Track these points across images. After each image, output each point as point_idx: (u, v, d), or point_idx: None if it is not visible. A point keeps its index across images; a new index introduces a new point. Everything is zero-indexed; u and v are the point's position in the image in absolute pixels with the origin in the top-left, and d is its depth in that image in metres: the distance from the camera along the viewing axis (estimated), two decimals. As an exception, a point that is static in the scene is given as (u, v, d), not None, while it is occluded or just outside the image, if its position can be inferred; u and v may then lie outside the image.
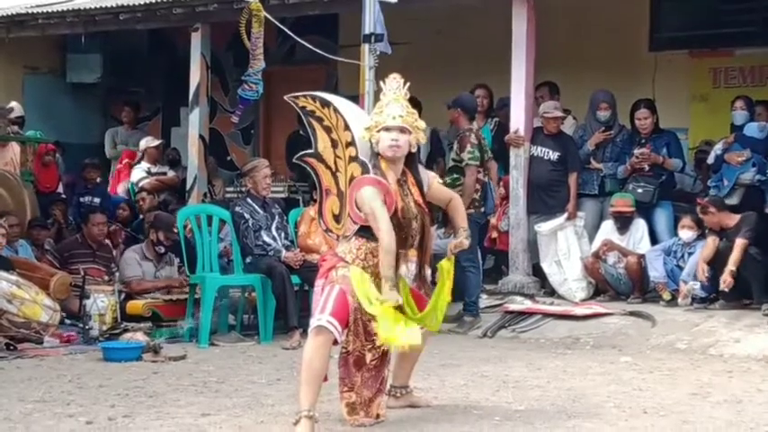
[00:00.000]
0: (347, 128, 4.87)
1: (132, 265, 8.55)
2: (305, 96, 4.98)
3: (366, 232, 4.76)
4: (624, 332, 7.82)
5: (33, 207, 9.92)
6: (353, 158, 4.85)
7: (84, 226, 9.10)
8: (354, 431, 4.76)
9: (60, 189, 11.23)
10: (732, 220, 8.14)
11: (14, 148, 10.39)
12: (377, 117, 4.84)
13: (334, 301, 4.65)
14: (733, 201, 8.57)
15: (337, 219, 4.92)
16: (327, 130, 4.91)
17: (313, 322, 4.65)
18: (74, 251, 8.82)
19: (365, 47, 7.76)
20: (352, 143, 4.86)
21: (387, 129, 4.78)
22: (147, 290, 8.42)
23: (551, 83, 9.60)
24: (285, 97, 5.07)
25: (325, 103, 4.91)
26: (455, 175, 8.26)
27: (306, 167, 5.02)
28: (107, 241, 9.21)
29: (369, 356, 4.86)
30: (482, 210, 8.41)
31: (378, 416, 4.89)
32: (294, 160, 5.11)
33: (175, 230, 8.46)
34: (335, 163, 4.91)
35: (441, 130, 9.90)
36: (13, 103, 11.06)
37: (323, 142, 4.93)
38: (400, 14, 8.49)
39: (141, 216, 10.26)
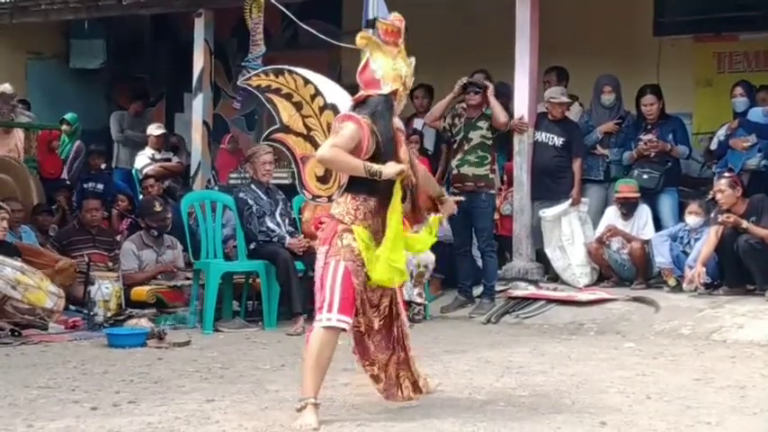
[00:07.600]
0: (307, 82, 4.88)
1: (127, 257, 8.50)
2: (257, 75, 5.01)
3: (363, 188, 4.57)
4: (628, 318, 7.83)
5: (39, 193, 9.92)
6: (323, 108, 4.85)
7: (79, 212, 9.08)
8: (359, 413, 4.75)
9: (64, 175, 11.23)
10: (743, 204, 8.07)
11: (18, 135, 10.38)
12: (408, 69, 4.72)
13: (341, 291, 4.49)
14: (739, 186, 8.56)
15: (323, 179, 4.84)
16: (287, 96, 4.92)
17: (322, 320, 4.48)
18: (72, 238, 8.74)
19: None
20: (317, 94, 4.87)
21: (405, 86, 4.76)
22: (140, 281, 8.32)
23: (560, 68, 9.56)
24: (238, 83, 5.10)
25: (278, 72, 4.94)
26: (480, 153, 8.32)
27: (277, 146, 5.02)
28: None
29: (376, 323, 4.75)
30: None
31: (400, 382, 4.79)
32: (262, 141, 5.15)
33: (157, 209, 8.48)
34: (306, 125, 4.90)
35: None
36: (5, 85, 10.80)
37: (286, 111, 4.92)
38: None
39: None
